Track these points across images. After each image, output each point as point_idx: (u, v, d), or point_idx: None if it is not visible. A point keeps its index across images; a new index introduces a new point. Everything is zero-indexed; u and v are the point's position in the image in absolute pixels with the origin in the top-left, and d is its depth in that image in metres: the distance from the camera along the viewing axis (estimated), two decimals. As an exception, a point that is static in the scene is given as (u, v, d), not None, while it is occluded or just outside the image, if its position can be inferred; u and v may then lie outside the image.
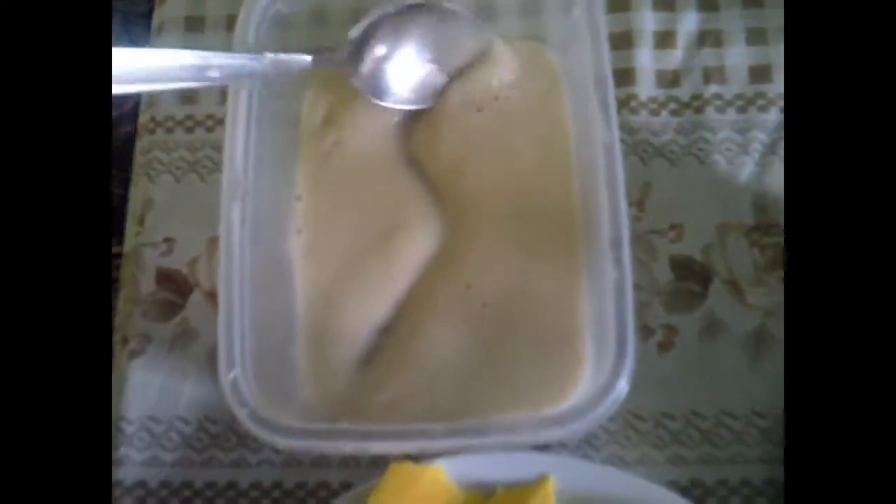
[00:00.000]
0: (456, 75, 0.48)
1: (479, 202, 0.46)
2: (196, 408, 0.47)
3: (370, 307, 0.46)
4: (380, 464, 0.39)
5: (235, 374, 0.39)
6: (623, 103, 0.52)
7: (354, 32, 0.46)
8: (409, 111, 0.48)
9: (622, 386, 0.37)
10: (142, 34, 0.61)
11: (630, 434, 0.45)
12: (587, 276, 0.43)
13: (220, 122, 0.53)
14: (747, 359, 0.46)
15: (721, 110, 0.52)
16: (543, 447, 0.42)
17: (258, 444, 0.46)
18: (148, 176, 0.53)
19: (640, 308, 0.46)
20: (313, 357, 0.45)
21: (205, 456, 0.46)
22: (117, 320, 0.50)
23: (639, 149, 0.51)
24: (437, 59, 0.48)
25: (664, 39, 0.54)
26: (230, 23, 0.55)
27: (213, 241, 0.50)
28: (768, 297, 0.47)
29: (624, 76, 0.52)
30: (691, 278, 0.48)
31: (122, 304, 0.50)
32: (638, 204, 0.49)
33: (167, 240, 0.51)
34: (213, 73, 0.42)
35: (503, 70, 0.48)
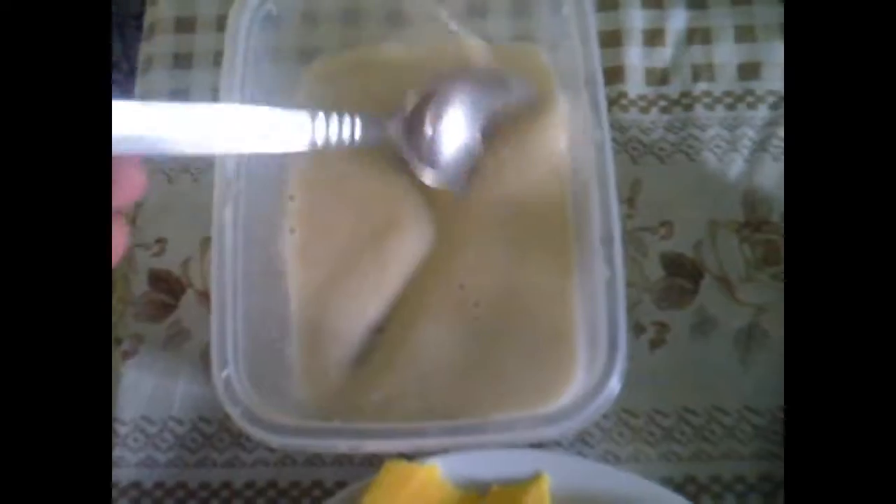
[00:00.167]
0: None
1: (471, 202, 0.46)
2: (190, 408, 0.47)
3: (363, 306, 0.46)
4: (374, 462, 0.40)
5: (228, 372, 0.39)
6: (613, 101, 0.52)
7: (409, 104, 0.45)
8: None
9: (615, 384, 0.37)
10: (135, 35, 0.61)
11: (623, 431, 0.45)
12: (579, 274, 0.43)
13: (212, 122, 0.53)
14: (738, 355, 0.46)
15: (710, 107, 0.52)
16: (538, 445, 0.42)
17: (252, 443, 0.46)
18: (140, 176, 0.52)
19: (632, 305, 0.47)
20: (307, 356, 0.45)
21: (199, 456, 0.46)
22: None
23: (629, 146, 0.51)
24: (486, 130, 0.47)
25: (653, 37, 0.54)
26: (221, 23, 0.55)
27: (205, 242, 0.50)
28: (759, 293, 0.47)
29: (613, 74, 0.53)
30: (682, 275, 0.48)
31: (114, 305, 0.50)
32: (629, 201, 0.50)
33: (159, 240, 0.51)
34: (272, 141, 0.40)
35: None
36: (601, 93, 0.42)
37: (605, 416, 0.38)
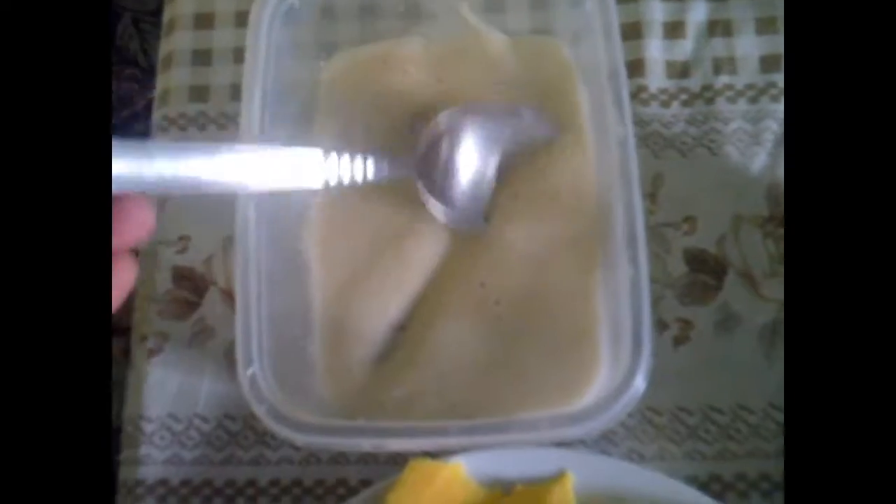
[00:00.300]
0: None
1: (494, 201, 0.46)
2: (215, 406, 0.48)
3: (385, 304, 0.46)
4: (398, 460, 0.40)
5: (253, 370, 0.39)
6: (633, 95, 0.51)
7: (423, 142, 0.45)
8: (424, 107, 0.48)
9: (640, 383, 0.37)
10: (152, 31, 0.61)
11: (647, 429, 0.45)
12: (602, 272, 0.43)
13: (232, 119, 0.53)
14: (763, 351, 0.46)
15: (732, 101, 0.51)
16: (562, 443, 0.42)
17: (277, 441, 0.46)
18: (162, 174, 0.53)
19: (655, 301, 0.46)
20: (329, 353, 0.45)
21: (224, 454, 0.47)
22: (135, 319, 0.50)
23: (650, 141, 0.51)
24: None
25: (674, 30, 0.53)
26: (240, 19, 0.56)
27: (228, 239, 0.50)
28: (784, 288, 0.47)
29: (634, 67, 0.52)
30: (705, 271, 0.48)
31: (138, 303, 0.50)
32: (650, 196, 0.49)
33: (182, 238, 0.51)
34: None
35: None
36: (625, 88, 0.42)
37: (629, 415, 0.38)
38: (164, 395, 0.48)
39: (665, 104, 0.52)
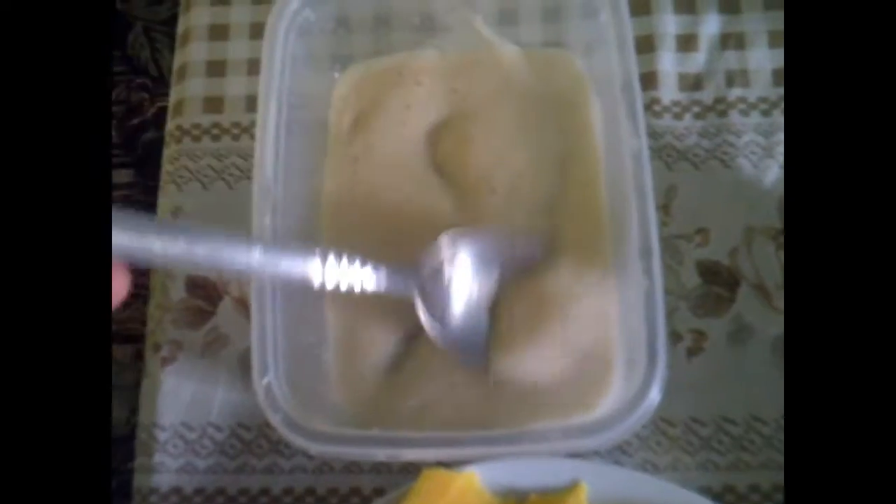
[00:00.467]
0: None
1: (509, 214, 0.46)
2: (228, 414, 0.48)
3: (398, 314, 0.46)
4: (412, 470, 0.40)
5: (269, 379, 0.39)
6: (646, 107, 0.51)
7: (424, 268, 0.43)
8: (438, 119, 0.49)
9: (654, 395, 0.37)
10: (163, 41, 0.61)
11: (661, 440, 0.45)
12: (616, 284, 0.43)
13: (246, 129, 0.54)
14: (776, 363, 0.46)
15: (745, 113, 0.52)
16: (575, 454, 0.42)
17: (290, 450, 0.46)
18: (176, 184, 0.53)
19: (668, 313, 0.45)
20: (343, 361, 0.46)
21: (238, 462, 0.47)
22: (149, 328, 0.50)
23: (663, 153, 0.51)
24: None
25: (686, 42, 0.54)
26: (255, 31, 0.56)
27: (241, 249, 0.50)
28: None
29: (646, 80, 0.52)
30: (719, 283, 0.48)
31: (152, 312, 0.51)
32: (663, 208, 0.50)
33: (196, 247, 0.51)
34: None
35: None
36: (639, 100, 0.42)
37: (643, 426, 0.38)
38: (178, 404, 0.48)
39: (678, 116, 0.52)
